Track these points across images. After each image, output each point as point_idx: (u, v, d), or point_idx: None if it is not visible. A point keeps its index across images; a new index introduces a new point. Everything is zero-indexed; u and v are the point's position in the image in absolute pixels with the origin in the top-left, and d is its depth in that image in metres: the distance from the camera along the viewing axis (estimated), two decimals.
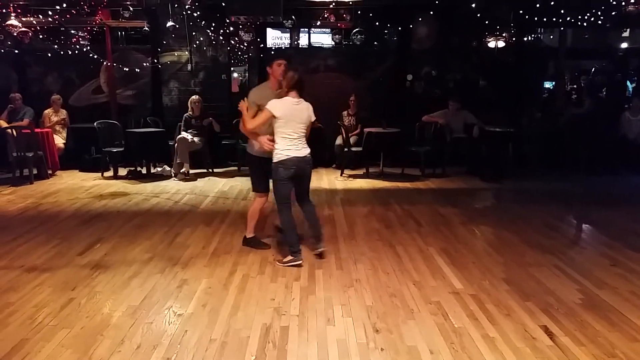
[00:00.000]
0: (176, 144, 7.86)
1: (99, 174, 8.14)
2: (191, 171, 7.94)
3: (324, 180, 7.93)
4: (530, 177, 8.07)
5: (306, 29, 9.26)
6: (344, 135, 8.18)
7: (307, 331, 3.07)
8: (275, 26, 9.15)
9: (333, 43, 9.29)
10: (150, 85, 9.16)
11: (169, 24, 8.42)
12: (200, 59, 9.05)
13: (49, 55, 8.76)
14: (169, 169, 8.20)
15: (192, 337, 2.99)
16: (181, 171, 7.86)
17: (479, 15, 8.33)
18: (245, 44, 9.03)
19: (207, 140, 8.26)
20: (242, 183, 7.54)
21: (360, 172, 8.42)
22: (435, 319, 3.21)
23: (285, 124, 4.00)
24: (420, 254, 4.45)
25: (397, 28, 9.11)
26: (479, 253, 4.54)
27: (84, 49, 8.80)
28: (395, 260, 4.30)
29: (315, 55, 9.33)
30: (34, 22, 8.30)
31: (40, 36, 8.62)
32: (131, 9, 8.29)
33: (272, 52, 9.12)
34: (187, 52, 8.99)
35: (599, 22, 8.35)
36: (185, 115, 8.21)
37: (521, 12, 8.59)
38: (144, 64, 9.00)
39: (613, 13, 8.15)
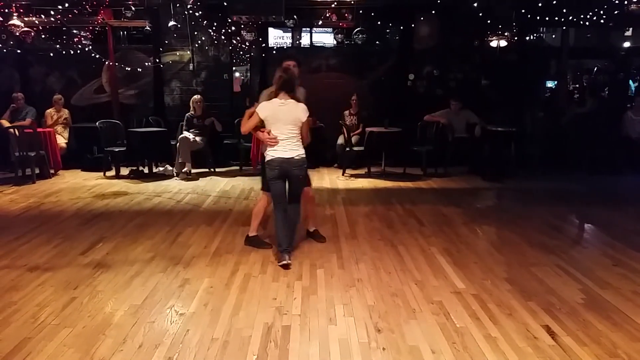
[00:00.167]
0: (178, 144, 7.87)
1: (101, 174, 8.16)
2: (193, 171, 7.94)
3: (326, 179, 7.93)
4: (532, 177, 8.06)
5: (308, 29, 9.26)
6: (346, 134, 8.18)
7: (309, 330, 3.06)
8: (277, 26, 9.15)
9: (335, 42, 9.29)
10: (152, 85, 9.16)
11: (171, 23, 8.43)
12: (202, 58, 9.05)
13: (51, 55, 8.77)
14: (171, 168, 8.21)
15: (194, 336, 2.99)
16: (183, 170, 7.87)
17: (480, 14, 8.31)
18: (247, 44, 9.04)
19: (209, 140, 8.27)
20: (244, 182, 7.55)
21: (362, 171, 8.42)
22: (437, 319, 3.21)
23: (272, 125, 4.05)
24: (422, 254, 4.45)
25: (399, 27, 9.10)
26: (481, 253, 4.53)
27: (86, 49, 8.82)
28: (397, 260, 4.29)
29: (317, 54, 9.33)
30: (36, 21, 8.31)
31: (43, 36, 8.64)
32: (133, 8, 8.30)
33: (274, 52, 9.12)
34: (189, 52, 8.99)
35: (602, 21, 8.33)
36: (187, 114, 8.22)
37: (523, 11, 8.57)
38: (146, 64, 9.01)
39: (615, 12, 8.13)
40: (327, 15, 8.78)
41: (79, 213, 5.86)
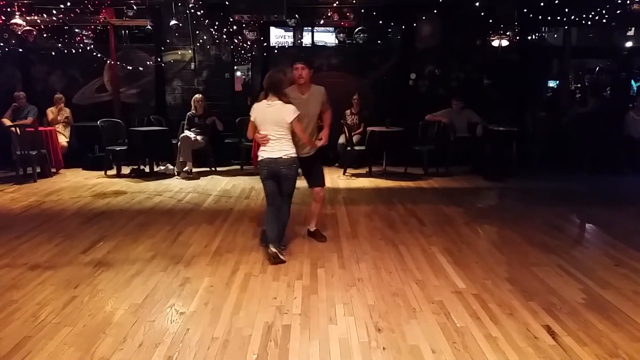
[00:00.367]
0: (179, 143, 7.87)
1: (102, 173, 8.16)
2: (194, 170, 7.94)
3: (327, 179, 7.83)
4: (533, 177, 8.05)
5: (309, 28, 9.27)
6: (347, 134, 8.18)
7: (309, 330, 3.06)
8: (278, 25, 9.16)
9: (336, 42, 9.29)
10: (154, 84, 9.17)
11: (173, 22, 8.44)
12: (203, 57, 9.05)
13: (53, 53, 8.78)
14: (172, 167, 8.21)
15: (194, 335, 2.99)
16: (184, 170, 7.87)
17: (482, 14, 8.30)
18: (249, 43, 9.03)
19: (210, 139, 8.27)
20: (245, 182, 7.55)
21: (363, 171, 8.41)
22: (437, 319, 3.21)
23: (261, 126, 4.16)
24: (423, 253, 4.44)
25: (401, 27, 9.09)
26: (482, 252, 4.53)
27: (88, 48, 8.85)
28: (398, 260, 4.29)
29: (319, 54, 9.32)
30: (38, 20, 8.33)
31: (44, 35, 8.66)
32: (135, 7, 8.31)
33: (276, 51, 9.12)
34: (190, 51, 8.99)
35: (604, 20, 8.31)
36: (188, 113, 8.22)
37: (525, 10, 8.56)
38: (148, 63, 9.02)
39: (618, 12, 8.12)
40: (329, 14, 8.77)
41: (80, 212, 5.87)
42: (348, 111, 8.76)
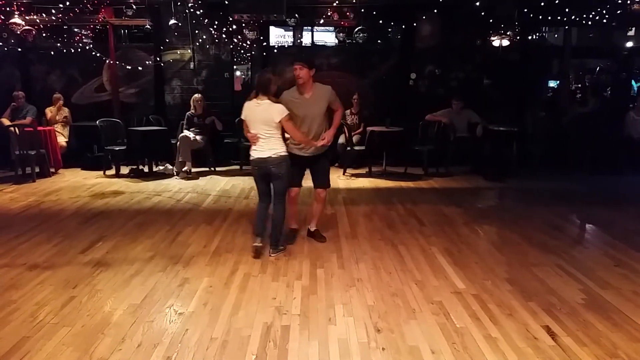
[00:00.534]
0: (178, 143, 7.85)
1: (101, 172, 8.15)
2: (193, 170, 7.93)
3: None
4: (533, 177, 8.04)
5: (309, 27, 9.25)
6: (347, 134, 8.16)
7: (308, 330, 3.06)
8: (278, 24, 9.14)
9: (336, 41, 9.27)
10: (153, 84, 9.15)
11: (172, 22, 8.42)
12: (203, 57, 9.04)
13: (52, 53, 8.76)
14: (171, 167, 8.20)
15: (193, 335, 2.99)
16: (183, 169, 7.86)
17: (483, 13, 8.30)
18: (249, 42, 9.02)
19: (209, 139, 8.25)
20: (244, 182, 7.54)
21: (363, 171, 8.40)
22: (437, 319, 3.20)
23: (251, 126, 4.22)
24: (423, 254, 4.44)
25: (401, 26, 9.08)
26: (482, 253, 4.52)
27: (87, 47, 8.83)
28: (398, 260, 4.28)
29: (319, 53, 9.29)
30: (37, 20, 8.31)
31: (44, 34, 8.65)
32: (134, 7, 8.30)
33: (276, 51, 9.11)
34: (190, 51, 8.97)
35: (604, 20, 8.31)
36: (187, 113, 8.21)
37: (525, 10, 8.55)
38: (147, 62, 9.00)
39: (618, 12, 8.11)
40: (329, 14, 8.76)
41: (78, 212, 5.86)
42: (348, 111, 8.74)
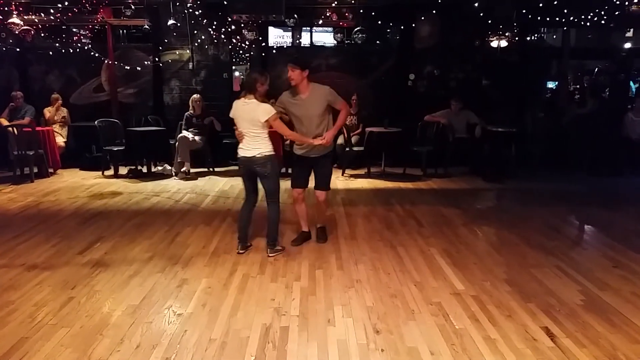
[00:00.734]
0: (177, 143, 7.85)
1: (100, 173, 8.14)
2: (192, 170, 7.93)
3: None
4: (532, 178, 8.04)
5: (308, 28, 9.24)
6: (346, 134, 8.16)
7: (307, 332, 3.05)
8: (277, 25, 9.13)
9: (335, 42, 9.27)
10: (152, 84, 9.15)
11: (171, 22, 8.41)
12: (201, 57, 9.03)
13: (51, 53, 8.75)
14: (170, 167, 8.19)
15: (191, 337, 2.98)
16: (182, 170, 7.85)
17: (481, 14, 8.30)
18: (247, 43, 9.01)
19: (208, 139, 8.25)
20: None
21: (362, 171, 8.40)
22: (436, 320, 3.20)
23: (238, 124, 4.26)
24: (422, 255, 4.44)
25: (400, 27, 9.07)
26: (481, 254, 4.52)
27: (86, 47, 8.81)
28: (396, 261, 4.28)
29: (317, 54, 9.29)
30: (36, 20, 8.30)
31: (42, 34, 8.62)
32: (133, 7, 8.30)
33: (274, 51, 9.11)
34: (188, 51, 8.97)
35: (602, 22, 8.31)
36: (186, 114, 8.20)
37: (524, 11, 8.56)
38: (145, 63, 8.99)
39: (616, 13, 8.12)
40: (328, 14, 8.77)
41: (77, 212, 5.85)
42: None
